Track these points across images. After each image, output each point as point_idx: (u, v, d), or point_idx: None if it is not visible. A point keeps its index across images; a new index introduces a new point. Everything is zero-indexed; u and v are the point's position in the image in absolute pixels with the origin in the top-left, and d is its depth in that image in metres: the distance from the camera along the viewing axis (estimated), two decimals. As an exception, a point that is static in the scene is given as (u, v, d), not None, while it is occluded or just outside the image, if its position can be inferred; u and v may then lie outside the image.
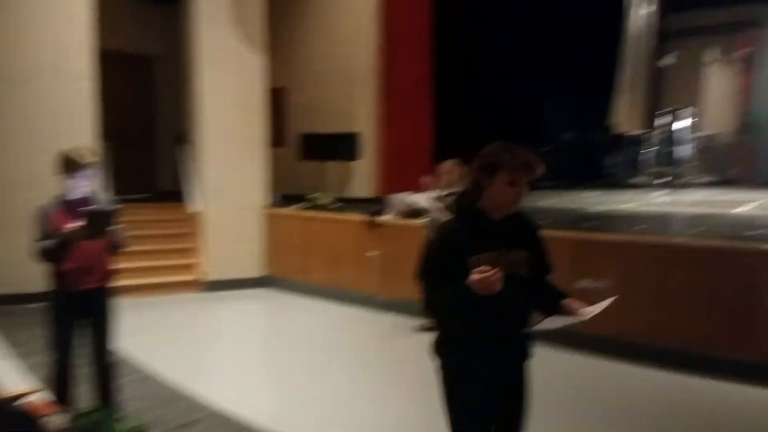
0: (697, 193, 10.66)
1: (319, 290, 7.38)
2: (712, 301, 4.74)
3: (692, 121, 12.49)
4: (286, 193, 8.64)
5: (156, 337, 5.93)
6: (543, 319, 2.28)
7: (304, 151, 8.74)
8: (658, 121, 12.30)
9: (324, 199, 8.26)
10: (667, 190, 10.64)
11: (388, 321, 6.43)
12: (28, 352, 5.03)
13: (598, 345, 5.01)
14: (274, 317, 7.32)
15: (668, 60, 14.37)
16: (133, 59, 9.87)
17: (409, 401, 4.33)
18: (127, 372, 4.38)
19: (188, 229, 8.05)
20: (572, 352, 4.99)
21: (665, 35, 14.09)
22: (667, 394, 4.45)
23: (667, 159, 11.93)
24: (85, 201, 3.45)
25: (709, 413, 4.15)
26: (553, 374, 4.26)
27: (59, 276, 3.49)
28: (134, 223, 6.75)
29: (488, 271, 2.04)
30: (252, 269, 8.05)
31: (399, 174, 8.43)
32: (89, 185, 3.49)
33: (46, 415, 2.57)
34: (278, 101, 9.40)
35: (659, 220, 7.06)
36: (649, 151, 11.75)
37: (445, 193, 5.72)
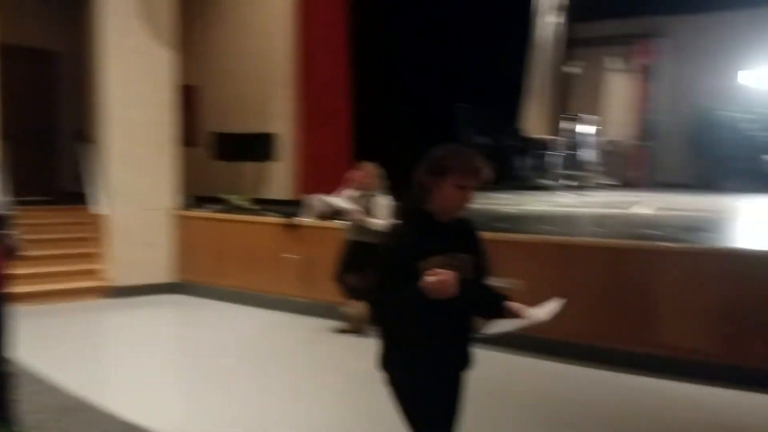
0: (599, 194, 11.28)
1: (234, 295, 7.19)
2: (609, 297, 5.09)
3: (596, 127, 13.16)
4: (199, 195, 8.38)
5: (58, 346, 5.59)
6: (489, 323, 2.27)
7: (218, 151, 8.50)
8: (564, 126, 12.87)
9: (239, 200, 8.08)
10: (572, 192, 11.15)
11: (306, 324, 6.36)
12: None
13: (498, 340, 5.15)
14: (185, 323, 7.07)
15: (574, 68, 15.08)
16: (34, 54, 9.30)
17: (330, 406, 4.28)
18: (26, 383, 4.09)
19: (92, 232, 7.66)
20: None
21: (572, 43, 14.79)
22: (558, 385, 4.72)
23: (572, 162, 12.49)
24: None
25: (604, 404, 4.39)
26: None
27: (-52, 283, 3.24)
28: (33, 226, 6.40)
29: (442, 274, 2.00)
30: (162, 274, 7.74)
31: (317, 175, 8.33)
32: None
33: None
34: (190, 99, 9.10)
35: (564, 221, 7.45)
36: (556, 155, 12.25)
37: (363, 194, 5.74)
